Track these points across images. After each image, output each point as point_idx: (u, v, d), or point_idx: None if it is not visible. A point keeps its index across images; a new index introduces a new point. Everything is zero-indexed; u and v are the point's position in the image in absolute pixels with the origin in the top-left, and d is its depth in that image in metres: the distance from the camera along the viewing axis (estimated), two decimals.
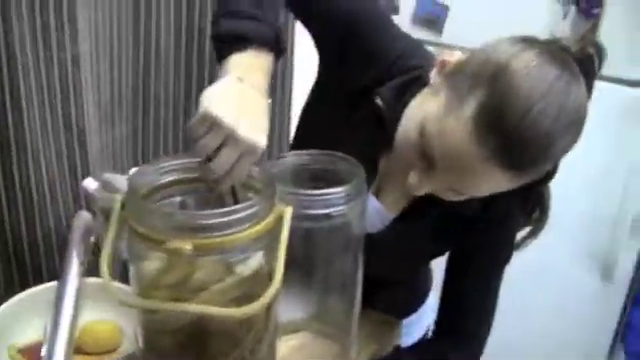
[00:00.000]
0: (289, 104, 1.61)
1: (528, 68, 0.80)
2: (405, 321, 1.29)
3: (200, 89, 1.40)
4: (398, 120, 0.96)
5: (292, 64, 1.57)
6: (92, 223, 1.14)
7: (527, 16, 1.73)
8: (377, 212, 1.07)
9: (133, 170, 1.18)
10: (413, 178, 0.91)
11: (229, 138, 0.73)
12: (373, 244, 0.99)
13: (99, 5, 1.18)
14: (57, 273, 1.21)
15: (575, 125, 0.82)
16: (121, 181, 1.11)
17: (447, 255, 1.14)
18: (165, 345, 0.81)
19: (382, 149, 1.04)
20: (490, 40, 0.87)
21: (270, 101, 0.82)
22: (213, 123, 0.72)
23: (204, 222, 0.70)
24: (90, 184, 1.15)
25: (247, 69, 0.81)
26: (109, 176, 1.12)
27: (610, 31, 1.48)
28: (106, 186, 1.12)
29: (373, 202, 1.07)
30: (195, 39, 1.38)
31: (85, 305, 1.01)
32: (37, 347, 1.02)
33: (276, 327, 0.85)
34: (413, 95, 0.96)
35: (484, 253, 1.09)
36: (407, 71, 1.00)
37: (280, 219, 0.76)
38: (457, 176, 0.86)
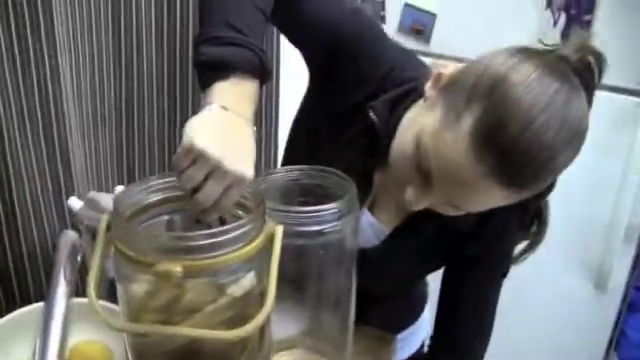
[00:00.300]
0: (276, 126, 1.58)
1: (527, 81, 0.77)
2: (399, 335, 1.27)
3: (184, 100, 1.39)
4: (393, 134, 0.95)
5: (278, 86, 1.55)
6: (78, 242, 1.12)
7: (516, 24, 1.73)
8: (372, 227, 1.06)
9: (118, 188, 1.17)
10: (410, 193, 0.89)
11: (215, 170, 0.71)
12: (368, 259, 0.97)
13: (77, 17, 1.16)
14: (43, 293, 1.19)
15: (576, 138, 0.80)
16: (106, 199, 1.09)
17: (443, 269, 1.12)
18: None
19: (377, 163, 1.02)
20: (485, 51, 0.85)
21: (255, 129, 0.80)
22: (198, 156, 0.70)
23: (194, 243, 0.68)
24: (75, 203, 1.13)
25: (231, 97, 0.78)
26: (94, 194, 1.10)
27: (600, 38, 1.47)
28: (91, 205, 1.10)
29: (368, 217, 1.06)
30: (177, 49, 1.35)
31: (73, 326, 0.99)
32: None
33: (270, 346, 0.83)
34: (407, 108, 0.95)
35: (481, 267, 1.07)
36: (401, 83, 0.98)
37: (271, 238, 0.75)
38: (455, 191, 0.84)
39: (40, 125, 1.09)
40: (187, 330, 0.71)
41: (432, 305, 1.36)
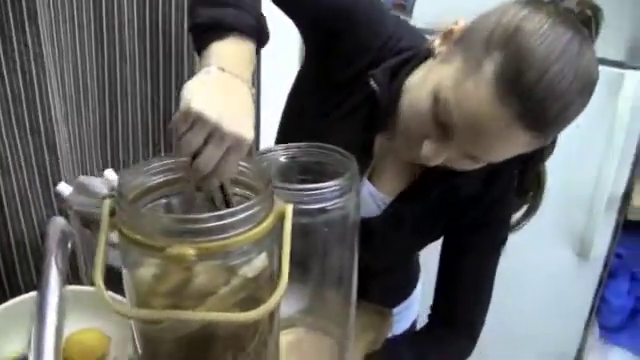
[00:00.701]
0: (257, 101, 1.57)
1: (542, 29, 0.79)
2: (395, 310, 1.27)
3: (167, 84, 1.36)
4: (394, 100, 0.95)
5: (259, 69, 1.53)
6: (67, 228, 1.09)
7: None
8: (372, 197, 1.06)
9: (107, 172, 1.14)
10: (428, 148, 0.89)
11: (214, 133, 0.69)
12: (370, 230, 0.97)
13: (59, 4, 1.12)
14: (34, 283, 1.17)
15: (589, 87, 0.82)
16: (97, 184, 1.07)
17: (442, 241, 1.13)
18: (167, 352, 0.77)
19: (377, 132, 1.02)
20: (493, 6, 0.87)
21: (254, 91, 0.78)
22: (196, 119, 0.68)
23: (205, 225, 0.66)
24: (64, 189, 1.10)
25: (228, 58, 0.77)
26: (84, 179, 1.07)
27: None
28: (81, 190, 1.07)
29: (368, 187, 1.06)
30: (160, 33, 1.33)
31: (67, 315, 0.97)
32: None
33: (279, 327, 0.82)
34: (407, 74, 0.96)
35: (481, 234, 1.08)
36: (399, 52, 0.98)
37: (281, 217, 0.73)
38: (476, 141, 0.85)
39: (25, 111, 1.07)
40: (202, 314, 0.69)
41: (423, 281, 1.38)
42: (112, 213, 0.73)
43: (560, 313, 1.96)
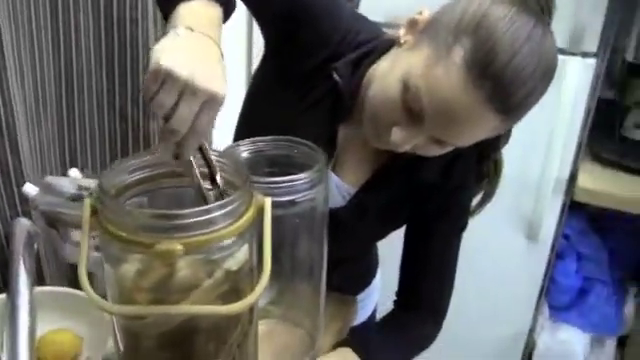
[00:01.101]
0: None
1: (509, 15, 0.84)
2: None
3: (122, 82, 1.35)
4: (356, 92, 0.98)
5: None
6: (33, 229, 1.08)
7: None
8: (337, 188, 1.08)
9: (72, 172, 1.14)
10: (397, 134, 0.91)
11: (186, 90, 0.67)
12: (335, 220, 0.99)
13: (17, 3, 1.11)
14: None
15: (549, 72, 0.87)
16: (64, 183, 1.06)
17: (405, 229, 1.16)
18: (150, 348, 0.78)
19: (339, 123, 1.05)
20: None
21: (223, 52, 0.76)
22: (166, 77, 0.67)
23: (191, 221, 0.67)
24: (30, 189, 1.09)
25: (196, 19, 0.76)
26: (51, 179, 1.07)
27: None
28: (48, 190, 1.07)
29: (333, 178, 1.08)
30: (115, 30, 1.31)
31: (38, 316, 0.96)
32: None
33: (257, 317, 0.84)
34: (369, 66, 0.99)
35: (443, 221, 1.11)
36: (358, 45, 1.01)
37: (260, 210, 0.75)
38: (447, 126, 0.88)
39: None
40: (187, 308, 0.71)
41: (383, 269, 1.42)
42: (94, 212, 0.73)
43: (511, 294, 2.02)
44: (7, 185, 1.12)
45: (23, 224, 1.10)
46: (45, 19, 1.20)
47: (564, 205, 1.92)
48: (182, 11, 0.77)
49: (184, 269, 0.72)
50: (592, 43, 1.75)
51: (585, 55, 1.75)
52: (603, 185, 1.89)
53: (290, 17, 0.99)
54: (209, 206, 0.69)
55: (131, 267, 0.73)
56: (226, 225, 0.70)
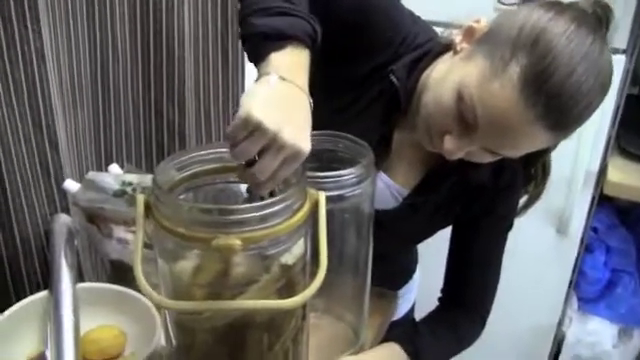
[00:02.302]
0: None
1: (567, 32, 0.82)
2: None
3: (157, 79, 1.36)
4: (412, 95, 0.98)
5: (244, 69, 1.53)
6: (73, 225, 1.09)
7: None
8: (389, 189, 1.08)
9: (113, 167, 1.14)
10: (449, 142, 0.91)
11: (272, 144, 0.69)
12: (386, 220, 0.99)
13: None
14: (38, 282, 1.15)
15: (607, 85, 0.86)
16: (107, 179, 1.06)
17: (452, 227, 1.17)
18: (204, 342, 0.78)
19: (394, 126, 1.05)
20: (513, 6, 0.91)
21: (311, 101, 0.78)
22: (255, 128, 0.68)
23: (249, 216, 0.67)
24: (71, 185, 1.09)
25: (289, 68, 0.76)
26: (93, 175, 1.07)
27: None
28: (90, 186, 1.07)
29: (385, 179, 1.08)
30: (150, 28, 1.31)
31: (81, 312, 0.96)
32: None
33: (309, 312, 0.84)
34: (424, 69, 0.98)
35: (489, 220, 1.11)
36: (415, 48, 1.01)
37: (315, 205, 0.75)
38: (498, 138, 0.88)
39: (27, 105, 1.05)
40: (243, 303, 0.71)
41: (422, 266, 1.42)
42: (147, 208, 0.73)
43: (541, 287, 2.01)
44: (47, 181, 1.12)
45: (63, 220, 1.11)
46: (82, 12, 1.20)
47: (593, 199, 1.91)
48: (275, 59, 0.76)
49: (241, 264, 0.72)
50: (622, 40, 1.74)
51: (615, 52, 1.74)
52: (631, 179, 1.88)
53: (354, 23, 0.99)
54: (266, 202, 0.69)
55: (187, 263, 0.73)
56: (282, 220, 0.70)
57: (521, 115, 0.83)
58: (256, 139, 0.69)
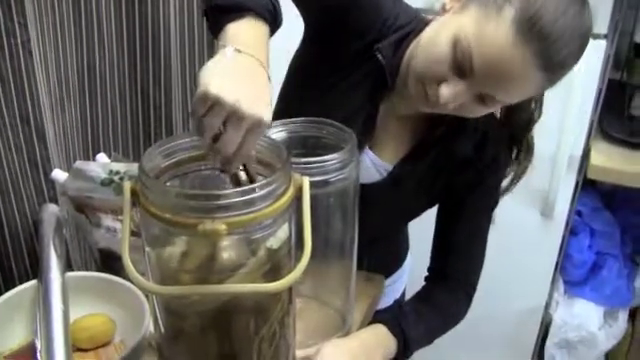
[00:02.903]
0: None
1: None
2: (386, 281, 1.31)
3: (143, 66, 1.36)
4: (397, 72, 1.02)
5: None
6: (61, 214, 1.09)
7: None
8: (374, 164, 1.11)
9: (100, 156, 1.15)
10: (445, 90, 0.94)
11: (232, 115, 0.71)
12: (371, 195, 1.01)
13: None
14: (27, 271, 1.16)
15: (586, 39, 0.92)
16: (95, 168, 1.07)
17: (437, 206, 1.19)
18: (191, 328, 0.79)
19: (380, 103, 1.07)
20: None
21: (269, 74, 0.79)
22: (214, 102, 0.70)
23: (234, 200, 0.68)
24: (59, 175, 1.10)
25: (245, 40, 0.78)
26: (80, 164, 1.08)
27: None
28: (78, 175, 1.07)
29: (370, 155, 1.10)
30: (136, 6, 1.32)
31: (70, 301, 0.97)
32: (25, 352, 0.97)
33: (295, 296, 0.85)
34: (408, 45, 1.02)
35: (474, 197, 1.14)
36: (397, 29, 1.03)
37: (299, 190, 0.76)
38: (495, 80, 0.91)
39: (14, 99, 1.06)
40: (230, 287, 0.72)
41: (412, 253, 1.43)
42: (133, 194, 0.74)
43: (528, 271, 2.03)
44: (35, 173, 1.12)
45: (52, 210, 1.11)
46: (67, 4, 1.21)
47: (577, 183, 1.93)
48: (231, 31, 0.78)
49: (227, 249, 0.73)
50: (603, 25, 1.76)
51: (596, 37, 1.76)
52: (613, 162, 1.90)
53: (337, 5, 1.01)
54: (251, 186, 0.70)
55: (174, 249, 0.74)
56: (267, 204, 0.71)
57: (516, 53, 0.88)
58: (216, 113, 0.70)
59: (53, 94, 1.19)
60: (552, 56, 0.89)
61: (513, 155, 1.13)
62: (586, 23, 0.91)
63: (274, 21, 0.84)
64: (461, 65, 0.92)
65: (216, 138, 0.72)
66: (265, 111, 0.73)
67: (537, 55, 0.88)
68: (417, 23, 1.04)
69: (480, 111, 0.98)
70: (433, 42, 0.96)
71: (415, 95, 0.99)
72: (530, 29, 0.87)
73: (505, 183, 1.15)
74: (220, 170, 0.78)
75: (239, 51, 0.76)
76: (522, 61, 0.88)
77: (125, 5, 1.30)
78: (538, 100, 1.09)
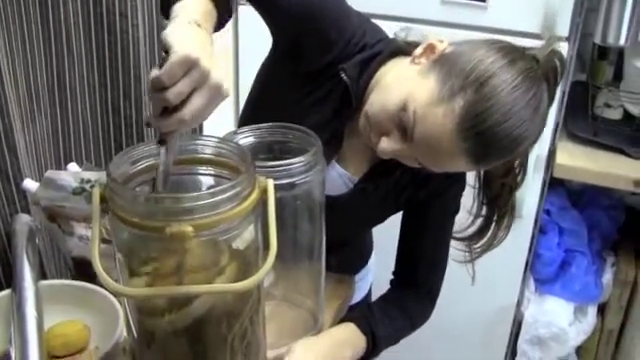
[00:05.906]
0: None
1: (513, 83, 0.90)
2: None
3: (114, 74, 1.37)
4: (363, 93, 1.04)
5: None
6: (33, 224, 1.10)
7: None
8: (341, 177, 1.13)
9: (72, 166, 1.16)
10: (385, 143, 0.98)
11: (204, 82, 0.71)
12: (338, 207, 1.03)
13: (7, 2, 1.13)
14: (2, 283, 1.17)
15: (538, 133, 0.96)
16: (66, 177, 1.08)
17: (402, 213, 1.22)
18: (163, 332, 0.81)
19: (346, 120, 1.09)
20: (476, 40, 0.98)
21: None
22: (193, 65, 0.70)
23: (200, 203, 0.71)
24: (30, 185, 1.11)
25: (195, 13, 0.80)
26: (51, 174, 1.09)
27: None
28: (49, 184, 1.09)
29: (337, 169, 1.13)
30: (104, 20, 1.33)
31: (44, 309, 0.98)
32: None
33: (264, 296, 0.87)
34: (378, 67, 1.04)
35: (436, 205, 1.17)
36: (363, 47, 1.05)
37: (264, 192, 0.79)
38: (426, 154, 0.96)
39: None
40: (201, 287, 0.74)
41: (377, 251, 1.46)
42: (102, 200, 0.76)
43: (499, 269, 2.06)
44: (5, 183, 1.13)
45: (24, 220, 1.12)
46: (35, 14, 1.21)
47: (544, 182, 1.98)
48: (183, 4, 0.81)
49: (194, 251, 0.75)
50: (564, 28, 1.80)
51: (558, 39, 1.80)
52: (579, 162, 1.95)
53: (302, 22, 1.03)
54: (216, 189, 0.72)
55: (143, 253, 0.76)
56: (232, 207, 0.73)
57: (451, 144, 0.92)
58: (193, 77, 0.70)
59: (23, 106, 1.20)
60: (482, 156, 0.93)
61: (494, 218, 1.17)
62: (538, 122, 0.94)
63: (227, 8, 0.87)
64: (403, 129, 0.95)
65: (164, 111, 0.72)
66: (227, 84, 0.75)
67: (468, 152, 0.92)
68: (385, 45, 1.06)
69: (414, 165, 1.01)
70: (386, 93, 0.99)
71: (361, 128, 1.03)
72: (470, 129, 0.90)
73: (484, 241, 1.20)
74: (159, 142, 0.76)
75: (197, 23, 0.77)
76: (455, 152, 0.93)
77: (94, 18, 1.31)
78: (522, 164, 1.13)
